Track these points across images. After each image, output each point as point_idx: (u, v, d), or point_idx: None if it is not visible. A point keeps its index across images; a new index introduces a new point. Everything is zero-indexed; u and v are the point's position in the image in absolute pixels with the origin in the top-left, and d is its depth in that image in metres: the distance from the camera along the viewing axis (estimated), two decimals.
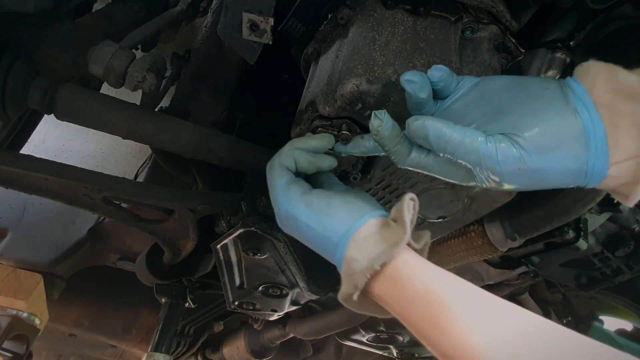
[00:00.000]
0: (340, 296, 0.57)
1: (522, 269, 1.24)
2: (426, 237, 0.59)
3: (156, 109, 1.06)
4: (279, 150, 0.72)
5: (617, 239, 1.31)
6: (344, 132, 0.73)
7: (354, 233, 0.57)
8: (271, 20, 0.75)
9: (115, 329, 1.92)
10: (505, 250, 1.00)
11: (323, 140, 0.71)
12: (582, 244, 1.09)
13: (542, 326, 0.45)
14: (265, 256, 0.99)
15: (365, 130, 0.75)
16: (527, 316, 0.47)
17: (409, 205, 0.57)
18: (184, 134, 0.94)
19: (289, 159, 0.69)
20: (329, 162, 0.71)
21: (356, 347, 1.92)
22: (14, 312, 1.17)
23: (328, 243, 0.59)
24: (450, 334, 0.46)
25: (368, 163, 0.81)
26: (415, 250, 0.57)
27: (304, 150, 0.70)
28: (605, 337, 1.56)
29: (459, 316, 0.46)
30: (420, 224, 0.92)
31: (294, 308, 1.20)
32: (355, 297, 0.55)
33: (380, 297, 0.55)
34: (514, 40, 0.81)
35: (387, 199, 0.86)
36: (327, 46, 0.82)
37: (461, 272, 1.24)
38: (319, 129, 0.74)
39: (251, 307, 1.17)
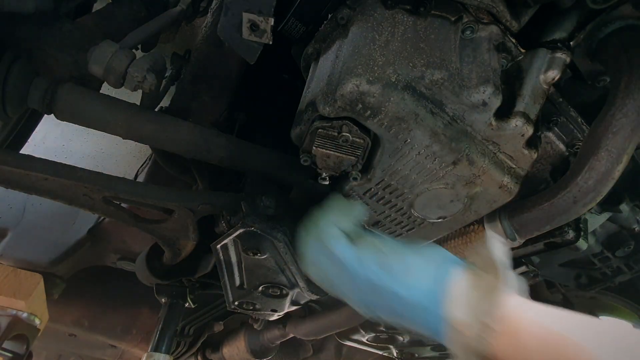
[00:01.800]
0: None
1: (522, 269, 1.24)
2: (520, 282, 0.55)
3: (156, 109, 1.06)
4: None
5: (617, 239, 1.30)
6: (344, 134, 0.73)
7: (446, 290, 0.53)
8: (271, 20, 0.75)
9: (115, 329, 1.92)
10: None
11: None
12: (582, 244, 1.09)
13: None
14: (265, 256, 0.99)
15: (365, 130, 0.75)
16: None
17: (495, 245, 0.54)
18: (184, 134, 0.94)
19: (330, 225, 0.68)
20: (360, 209, 0.72)
21: (356, 347, 1.92)
22: (14, 312, 1.17)
23: (416, 309, 0.54)
24: None
25: (368, 163, 0.81)
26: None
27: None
28: None
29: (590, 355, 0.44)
30: (420, 224, 0.92)
31: (294, 308, 1.20)
32: None
33: (502, 355, 0.49)
34: (514, 40, 0.81)
35: (387, 199, 0.86)
36: (327, 46, 0.82)
37: None
38: (319, 130, 0.74)
39: (251, 307, 1.17)
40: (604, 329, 0.47)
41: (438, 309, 0.52)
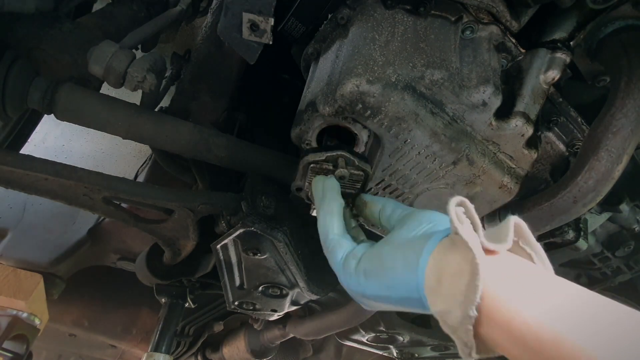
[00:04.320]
0: (462, 355, 0.48)
1: None
2: (507, 226, 0.47)
3: (156, 109, 1.06)
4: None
5: (617, 239, 1.31)
6: (340, 169, 0.73)
7: (424, 280, 0.50)
8: (271, 20, 0.75)
9: (115, 329, 1.92)
10: None
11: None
12: (582, 244, 1.09)
13: None
14: (265, 256, 0.99)
15: (363, 159, 0.74)
16: None
17: (458, 214, 0.48)
18: (184, 134, 0.94)
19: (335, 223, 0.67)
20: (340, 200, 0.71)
21: (356, 347, 1.92)
22: (14, 312, 1.17)
23: (413, 302, 0.53)
24: None
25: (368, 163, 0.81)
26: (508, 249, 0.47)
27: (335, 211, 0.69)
28: None
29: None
30: None
31: (294, 308, 1.20)
32: (474, 354, 0.45)
33: (497, 345, 0.44)
34: (514, 40, 0.81)
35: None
36: (327, 46, 0.82)
37: None
38: (312, 165, 0.74)
39: (251, 307, 1.17)
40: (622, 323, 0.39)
41: (424, 300, 0.50)
